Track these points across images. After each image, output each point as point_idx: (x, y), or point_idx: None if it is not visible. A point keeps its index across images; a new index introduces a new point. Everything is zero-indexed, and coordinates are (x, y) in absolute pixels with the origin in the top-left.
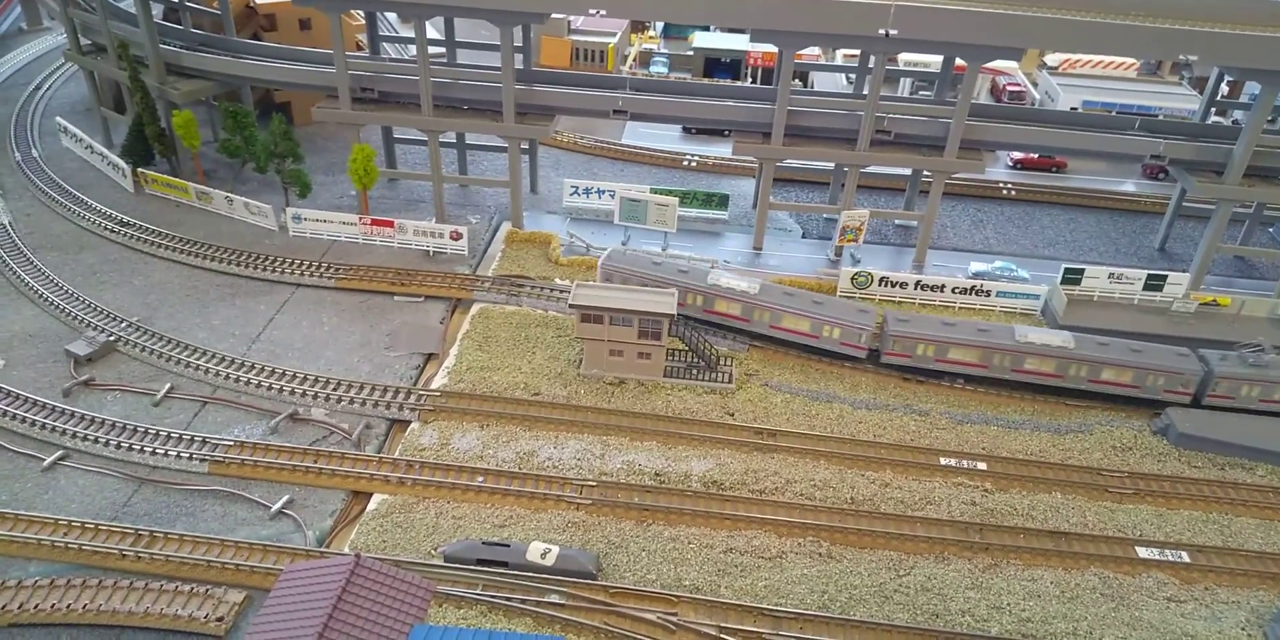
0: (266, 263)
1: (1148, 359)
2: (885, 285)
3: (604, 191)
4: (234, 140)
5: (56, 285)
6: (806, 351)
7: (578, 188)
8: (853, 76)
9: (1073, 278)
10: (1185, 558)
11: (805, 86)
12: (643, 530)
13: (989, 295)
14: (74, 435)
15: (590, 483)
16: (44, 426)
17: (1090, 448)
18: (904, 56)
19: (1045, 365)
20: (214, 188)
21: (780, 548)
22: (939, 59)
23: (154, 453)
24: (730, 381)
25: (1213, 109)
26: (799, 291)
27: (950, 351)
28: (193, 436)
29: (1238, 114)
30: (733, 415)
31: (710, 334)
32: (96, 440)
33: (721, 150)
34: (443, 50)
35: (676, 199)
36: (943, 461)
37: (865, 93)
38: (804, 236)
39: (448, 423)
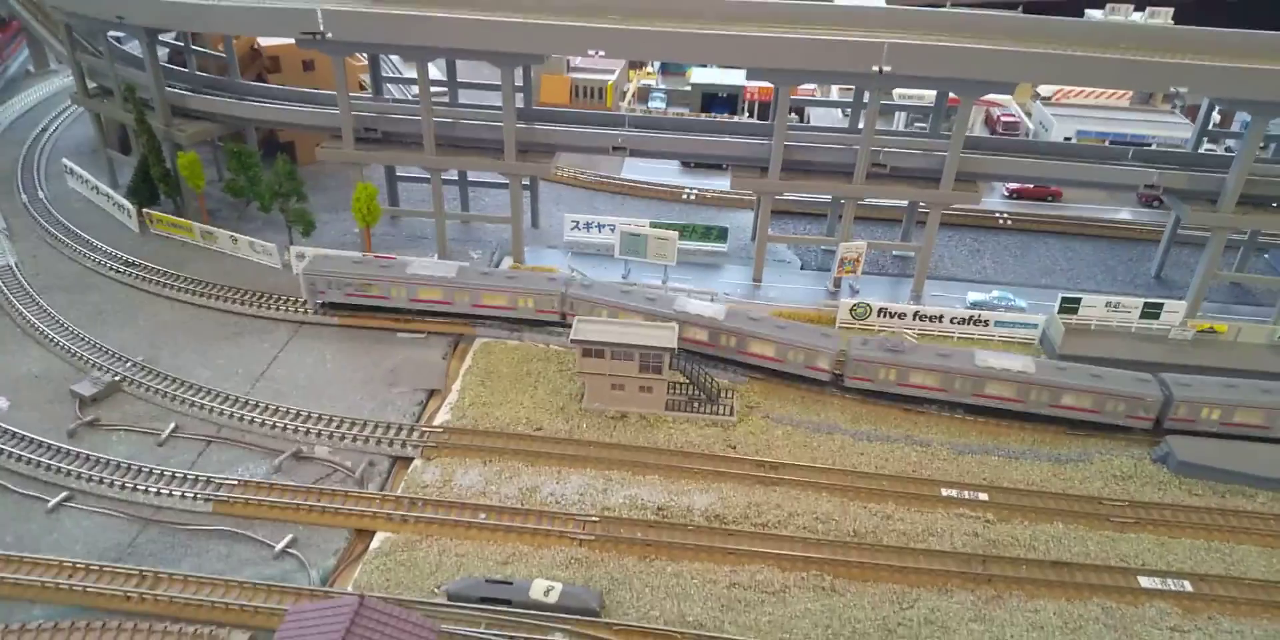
0: (270, 301)
1: (1108, 384)
2: (884, 316)
3: (604, 226)
4: (238, 180)
5: (62, 326)
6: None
7: (578, 222)
8: (848, 110)
9: (1070, 307)
10: (1188, 587)
11: (802, 120)
12: (646, 566)
13: (987, 325)
14: (79, 476)
15: (593, 518)
16: (49, 468)
17: (1091, 477)
18: (898, 90)
19: (1006, 390)
20: (219, 227)
21: (783, 582)
22: (933, 92)
23: (158, 493)
24: (732, 414)
25: (1205, 138)
26: (766, 316)
27: (911, 375)
28: (197, 476)
29: (1231, 140)
30: (734, 448)
31: (711, 367)
32: (101, 481)
33: (720, 183)
34: (445, 90)
35: (676, 233)
36: (944, 492)
37: (861, 127)
38: (803, 268)
39: (450, 459)
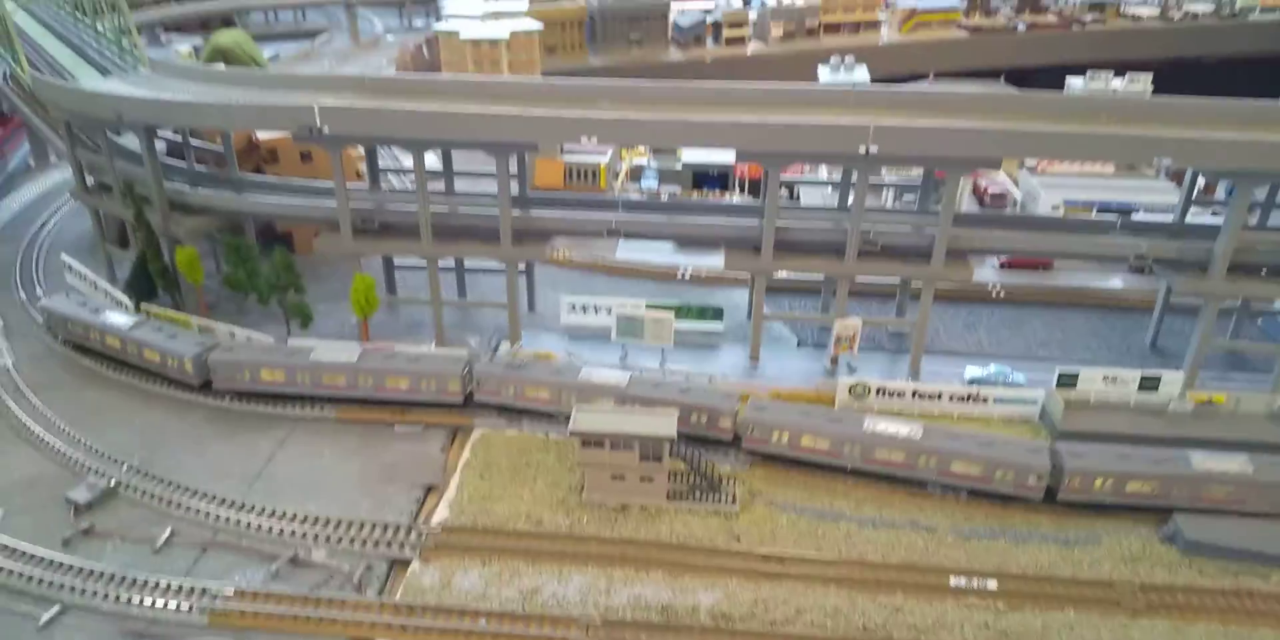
0: (267, 396)
1: (996, 452)
2: (883, 396)
3: (601, 308)
4: (237, 274)
5: (57, 428)
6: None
7: (575, 305)
8: (837, 188)
9: (1068, 381)
10: None
11: (792, 197)
12: None
13: (986, 403)
14: (72, 589)
15: (596, 622)
16: (41, 581)
17: (1100, 559)
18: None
19: (895, 455)
20: (217, 320)
21: None
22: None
23: (153, 605)
24: (734, 502)
25: (1191, 205)
26: (668, 382)
27: (803, 439)
28: (192, 587)
29: (1219, 206)
30: (739, 539)
31: (712, 453)
32: (94, 594)
33: (714, 261)
34: (441, 180)
35: (672, 314)
36: (953, 581)
37: (850, 205)
38: (800, 345)
39: (449, 560)
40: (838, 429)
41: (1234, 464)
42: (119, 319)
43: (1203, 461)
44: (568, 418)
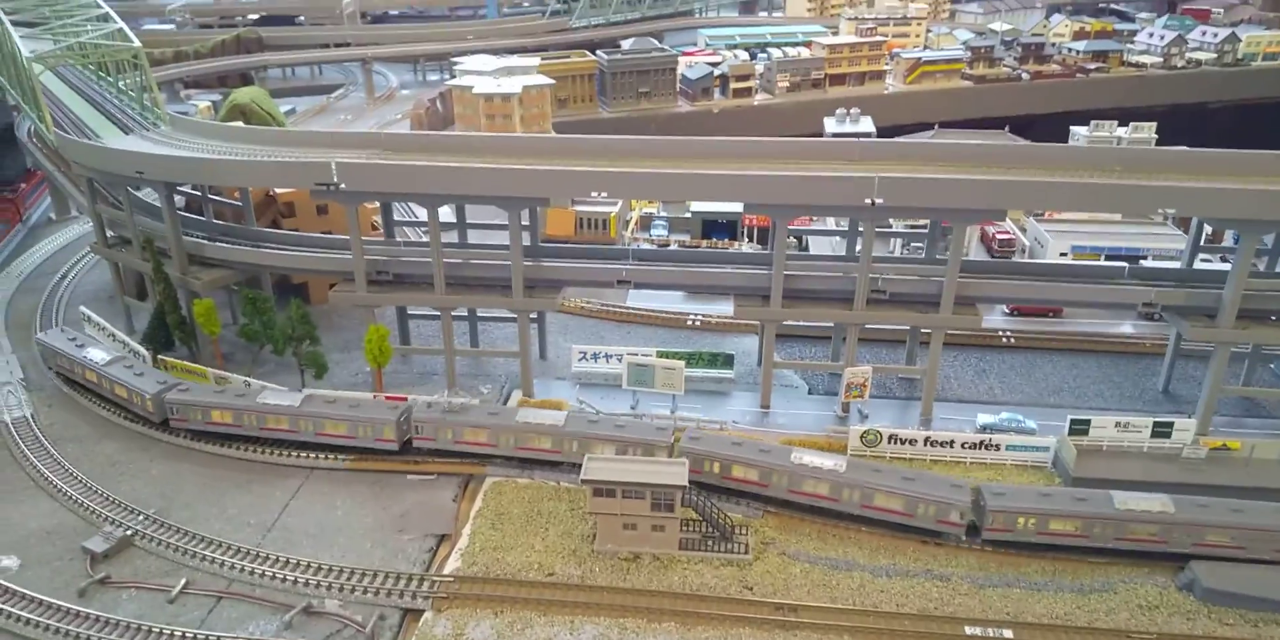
0: (282, 447)
1: (918, 487)
2: (895, 443)
3: (612, 356)
4: (253, 325)
5: (75, 478)
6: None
7: (586, 353)
8: (845, 237)
9: (1080, 428)
10: None
11: (800, 247)
12: None
13: (999, 449)
14: (88, 639)
15: None
16: (58, 631)
17: (1116, 607)
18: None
19: (820, 488)
20: (232, 372)
21: None
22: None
23: None
24: (747, 552)
25: (1199, 252)
26: (604, 419)
27: (734, 469)
28: (206, 636)
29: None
30: (751, 589)
31: (724, 501)
32: None
33: (724, 308)
34: (454, 231)
35: (683, 363)
36: (968, 630)
37: (859, 253)
38: (810, 392)
39: (462, 611)
40: (766, 460)
41: (1155, 503)
42: (97, 354)
43: (1124, 501)
44: (508, 458)
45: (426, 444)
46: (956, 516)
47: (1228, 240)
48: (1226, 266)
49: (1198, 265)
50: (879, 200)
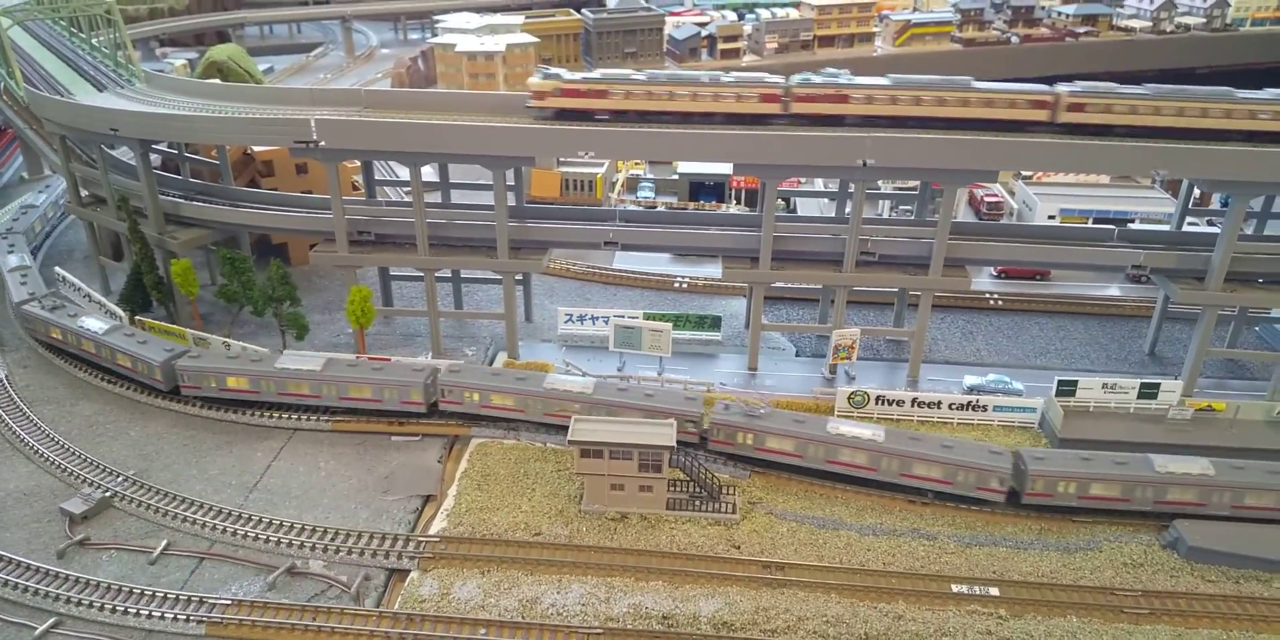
0: (263, 408)
1: (958, 455)
2: (882, 404)
3: (598, 318)
4: (232, 286)
5: (52, 440)
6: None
7: (572, 315)
8: (834, 199)
9: (1067, 389)
10: None
11: (788, 208)
12: None
13: (986, 410)
14: (67, 600)
15: (597, 630)
16: (37, 592)
17: (1101, 565)
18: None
19: (858, 457)
20: (211, 333)
21: None
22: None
23: (149, 616)
24: (734, 511)
25: (1187, 214)
26: (634, 387)
27: (768, 440)
28: (189, 597)
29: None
30: (739, 548)
31: (711, 462)
32: (91, 604)
33: (711, 271)
34: (437, 192)
35: (670, 324)
36: (954, 588)
37: (848, 215)
38: (798, 355)
39: (447, 570)
40: (802, 430)
41: (1195, 466)
42: (93, 323)
43: (1164, 464)
44: (535, 424)
45: (453, 408)
46: (996, 483)
47: (1215, 203)
48: (1215, 230)
49: (1185, 229)
50: (870, 161)
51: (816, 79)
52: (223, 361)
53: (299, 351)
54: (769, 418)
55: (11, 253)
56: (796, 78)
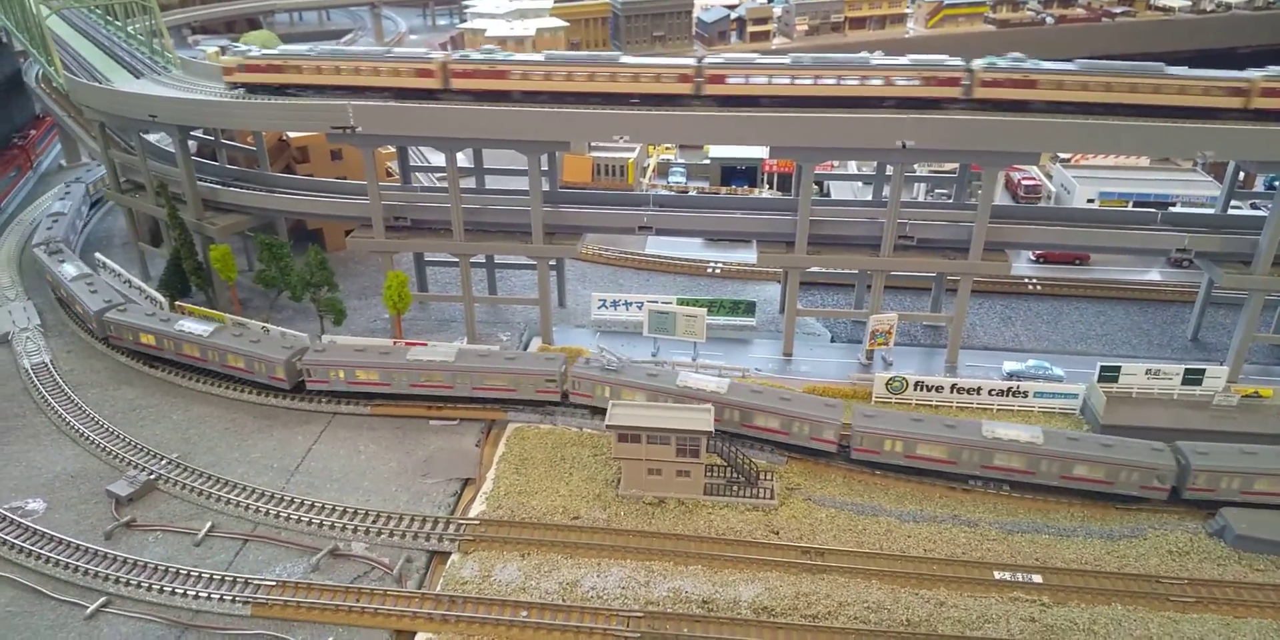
0: (303, 392)
1: (1120, 454)
2: (921, 390)
3: (632, 304)
4: (270, 271)
5: (97, 423)
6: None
7: (605, 301)
8: (868, 182)
9: (1109, 375)
10: None
11: (821, 192)
12: None
13: (1026, 396)
14: (116, 580)
15: (637, 613)
16: (86, 572)
17: (1146, 553)
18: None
19: (1015, 461)
20: (250, 318)
21: None
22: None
23: (196, 596)
24: (772, 497)
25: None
26: (768, 390)
27: (919, 448)
28: (234, 578)
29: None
30: (778, 533)
31: (748, 447)
32: (139, 585)
33: (745, 256)
34: (472, 178)
35: (704, 310)
36: (997, 575)
37: (885, 198)
38: (833, 340)
39: (488, 553)
40: (954, 435)
41: None
42: (194, 326)
43: None
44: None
45: (583, 400)
46: (1158, 481)
47: (1259, 186)
48: (1259, 213)
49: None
50: (910, 143)
51: (1002, 63)
52: (349, 355)
53: (336, 337)
54: (917, 424)
55: (64, 262)
56: (980, 62)
